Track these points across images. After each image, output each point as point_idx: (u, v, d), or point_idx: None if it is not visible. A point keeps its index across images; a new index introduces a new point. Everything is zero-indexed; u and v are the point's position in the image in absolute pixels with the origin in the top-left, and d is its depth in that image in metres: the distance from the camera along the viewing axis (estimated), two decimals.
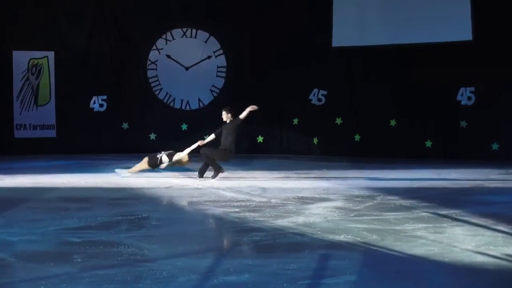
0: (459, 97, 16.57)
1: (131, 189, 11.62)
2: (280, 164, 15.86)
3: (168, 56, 18.74)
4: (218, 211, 9.42)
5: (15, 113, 18.20)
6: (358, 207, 9.57)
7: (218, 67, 18.70)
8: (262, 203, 9.96)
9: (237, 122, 12.84)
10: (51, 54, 18.41)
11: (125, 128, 18.55)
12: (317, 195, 10.78)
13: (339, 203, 9.95)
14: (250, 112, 12.81)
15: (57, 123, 18.39)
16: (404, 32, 16.91)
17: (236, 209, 9.45)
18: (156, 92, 18.76)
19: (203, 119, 17.57)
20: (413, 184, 12.18)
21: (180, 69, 18.73)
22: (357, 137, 17.51)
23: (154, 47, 18.74)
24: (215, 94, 18.69)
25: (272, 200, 10.23)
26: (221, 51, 18.67)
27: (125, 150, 17.47)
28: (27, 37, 18.17)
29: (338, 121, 17.66)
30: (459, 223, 8.48)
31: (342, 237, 7.60)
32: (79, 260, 6.61)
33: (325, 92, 17.81)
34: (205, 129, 15.43)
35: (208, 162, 12.71)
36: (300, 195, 10.73)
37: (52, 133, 18.40)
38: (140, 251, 7.00)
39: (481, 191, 11.56)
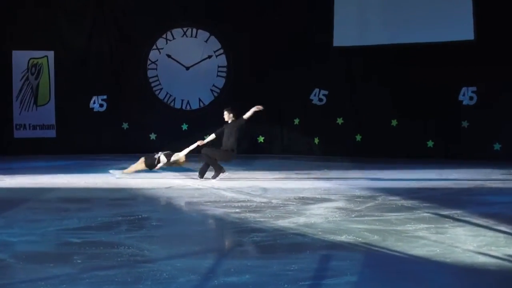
0: (460, 97, 16.54)
1: (131, 189, 11.60)
2: (281, 164, 15.85)
3: (169, 56, 18.71)
4: (219, 211, 9.39)
5: (14, 113, 18.18)
6: (359, 208, 9.54)
7: (218, 66, 18.67)
8: (263, 204, 9.94)
9: (240, 122, 12.78)
10: (50, 54, 18.38)
11: (125, 128, 18.52)
12: (318, 195, 10.76)
13: (340, 204, 9.93)
14: (255, 112, 12.76)
15: (57, 123, 18.37)
16: (405, 32, 16.89)
17: (237, 210, 9.43)
18: (156, 92, 18.73)
19: (204, 119, 17.55)
20: (415, 185, 12.15)
21: (181, 68, 18.70)
22: (358, 137, 17.48)
23: (154, 47, 18.71)
24: (215, 94, 18.66)
25: (273, 201, 10.21)
26: (221, 51, 18.64)
27: (125, 150, 17.43)
28: (26, 36, 18.14)
29: (339, 121, 17.64)
30: (460, 223, 8.46)
31: (343, 238, 7.58)
32: (79, 261, 6.58)
33: (326, 92, 17.78)
34: (206, 129, 15.40)
35: (209, 162, 12.66)
36: (301, 195, 10.70)
37: (52, 133, 18.38)
38: (140, 252, 6.98)
39: (483, 192, 11.52)
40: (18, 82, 18.25)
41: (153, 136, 18.44)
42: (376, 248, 7.12)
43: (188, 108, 18.73)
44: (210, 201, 10.23)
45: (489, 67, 15.98)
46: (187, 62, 18.70)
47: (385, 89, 16.99)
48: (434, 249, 7.04)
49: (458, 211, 9.20)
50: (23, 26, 18.08)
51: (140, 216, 9.02)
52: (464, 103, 16.52)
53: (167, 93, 18.72)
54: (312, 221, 8.55)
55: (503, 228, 8.10)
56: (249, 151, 17.22)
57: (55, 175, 13.53)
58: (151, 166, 12.88)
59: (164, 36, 18.72)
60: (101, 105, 18.53)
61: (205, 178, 12.60)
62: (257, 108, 12.73)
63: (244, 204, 9.92)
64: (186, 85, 18.58)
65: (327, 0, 17.52)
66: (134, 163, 13.17)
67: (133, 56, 18.62)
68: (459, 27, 16.30)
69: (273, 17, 17.96)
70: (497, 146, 16.19)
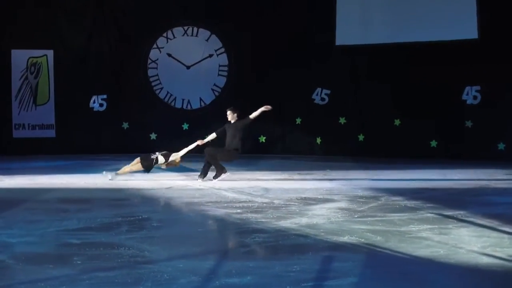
0: (464, 96, 16.49)
1: (132, 190, 11.55)
2: (282, 164, 15.83)
3: (169, 55, 18.67)
4: (220, 212, 9.35)
5: (13, 112, 18.18)
6: (362, 208, 9.50)
7: (220, 65, 18.62)
8: (264, 204, 9.90)
9: (246, 121, 12.70)
10: (50, 53, 18.37)
11: (125, 128, 18.48)
12: (320, 195, 10.73)
13: (342, 204, 9.89)
14: (263, 112, 12.69)
15: (56, 122, 18.35)
16: (408, 31, 16.87)
17: (238, 210, 9.39)
18: (157, 91, 18.69)
19: (205, 119, 17.53)
20: (418, 185, 12.12)
21: (181, 68, 18.66)
22: (361, 137, 17.43)
23: (154, 46, 18.68)
24: (216, 93, 18.62)
25: (274, 201, 10.17)
26: (222, 50, 18.60)
27: (125, 150, 17.34)
28: (26, 35, 18.13)
29: (342, 120, 17.59)
30: (464, 224, 8.42)
31: (346, 239, 7.55)
32: (78, 262, 6.55)
33: (328, 91, 17.73)
34: (207, 129, 15.32)
35: (211, 162, 12.57)
36: (303, 195, 10.67)
37: (51, 133, 18.36)
38: (140, 253, 6.95)
39: (487, 192, 11.49)
40: (17, 82, 18.24)
41: (153, 136, 18.40)
42: (379, 249, 7.09)
43: (188, 107, 18.69)
44: (211, 202, 10.19)
45: (493, 66, 15.94)
46: (187, 61, 18.66)
47: (388, 88, 16.96)
48: (438, 250, 7.01)
49: (462, 212, 9.17)
50: (23, 25, 18.07)
51: (140, 217, 8.98)
52: (468, 102, 16.48)
53: (167, 92, 18.68)
54: (314, 222, 8.51)
55: (507, 228, 8.06)
56: (250, 151, 17.16)
57: (54, 175, 13.50)
58: (148, 167, 12.64)
59: (164, 35, 18.69)
60: (101, 105, 18.50)
61: (206, 179, 12.53)
62: (266, 108, 12.65)
63: (245, 204, 9.88)
64: (187, 84, 18.55)
65: None
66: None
67: (133, 56, 18.60)
68: (463, 25, 16.27)
69: (275, 16, 17.92)
70: (501, 146, 16.14)
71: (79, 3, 18.57)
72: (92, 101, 18.45)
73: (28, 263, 6.55)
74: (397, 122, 17.04)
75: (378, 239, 7.49)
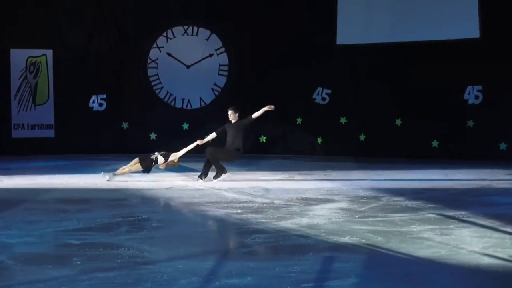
0: (466, 96, 16.47)
1: (131, 190, 11.54)
2: (283, 164, 15.83)
3: (169, 54, 18.65)
4: (220, 212, 9.34)
5: (12, 112, 18.18)
6: (363, 208, 9.48)
7: (220, 65, 18.60)
8: (265, 204, 9.88)
9: (248, 121, 12.66)
10: (49, 53, 18.36)
11: (125, 128, 18.47)
12: (321, 196, 10.71)
13: (343, 204, 9.87)
14: (266, 112, 12.65)
15: (56, 122, 18.34)
16: (409, 30, 16.86)
17: (238, 211, 9.37)
18: (157, 91, 18.68)
19: (205, 119, 17.50)
20: (419, 185, 12.10)
21: (181, 67, 18.64)
22: (361, 137, 17.41)
23: (154, 45, 18.67)
24: (216, 93, 18.60)
25: (275, 201, 10.15)
26: (223, 49, 18.58)
27: (125, 150, 17.30)
28: (25, 35, 18.11)
29: (343, 120, 17.56)
30: (466, 224, 8.40)
31: (346, 239, 7.53)
32: (78, 262, 6.54)
33: (329, 91, 17.71)
34: (207, 128, 15.28)
35: (212, 161, 12.53)
36: (304, 196, 10.65)
37: (50, 133, 18.35)
38: (140, 253, 6.94)
39: (489, 192, 11.47)
40: (17, 81, 18.23)
41: (153, 135, 18.38)
42: (380, 250, 7.07)
43: (189, 107, 18.67)
44: (211, 202, 10.17)
45: (495, 65, 15.93)
46: (188, 60, 18.64)
47: (389, 88, 16.94)
48: (439, 250, 6.99)
49: (464, 212, 9.16)
50: (22, 25, 18.07)
51: (140, 217, 8.97)
52: (469, 102, 16.45)
53: (167, 92, 18.66)
54: (315, 222, 8.49)
55: (509, 229, 8.05)
56: (251, 151, 17.10)
57: (53, 175, 13.49)
58: (148, 168, 12.54)
59: (164, 34, 18.67)
60: (100, 105, 18.48)
61: (206, 179, 12.50)
62: (269, 107, 12.62)
63: (246, 205, 9.86)
64: (187, 84, 18.53)
65: None
66: None
67: (133, 55, 18.59)
68: (465, 25, 16.25)
69: (275, 15, 17.91)
70: (503, 146, 16.11)
71: (79, 3, 18.58)
72: (91, 100, 18.43)
73: (27, 263, 6.54)
74: (398, 122, 17.01)
75: (379, 240, 7.47)
